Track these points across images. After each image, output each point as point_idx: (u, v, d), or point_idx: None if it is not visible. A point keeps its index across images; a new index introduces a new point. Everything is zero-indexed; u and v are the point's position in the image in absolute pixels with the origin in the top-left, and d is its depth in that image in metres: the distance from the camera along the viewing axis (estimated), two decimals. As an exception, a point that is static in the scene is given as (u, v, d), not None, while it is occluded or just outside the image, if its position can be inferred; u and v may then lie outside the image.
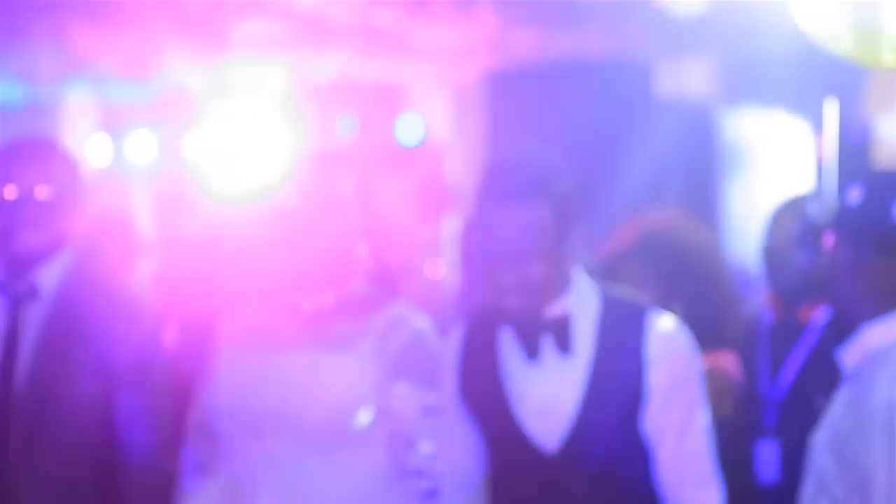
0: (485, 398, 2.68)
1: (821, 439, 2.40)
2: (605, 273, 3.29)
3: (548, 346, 2.61)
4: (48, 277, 3.03)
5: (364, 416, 2.86)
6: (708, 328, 3.30)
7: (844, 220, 2.40)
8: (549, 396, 2.61)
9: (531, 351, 2.61)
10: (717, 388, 3.22)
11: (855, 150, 6.41)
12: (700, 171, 6.68)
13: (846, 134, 6.45)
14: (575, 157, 7.38)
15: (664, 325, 2.64)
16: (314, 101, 8.77)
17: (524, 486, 2.64)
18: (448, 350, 2.77)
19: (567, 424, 2.60)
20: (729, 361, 3.33)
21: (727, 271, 3.46)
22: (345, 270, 2.95)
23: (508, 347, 2.66)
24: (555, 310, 2.60)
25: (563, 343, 2.60)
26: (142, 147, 9.08)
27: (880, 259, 2.37)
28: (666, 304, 3.28)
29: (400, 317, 2.93)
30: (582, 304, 2.63)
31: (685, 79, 8.13)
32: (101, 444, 3.02)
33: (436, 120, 9.14)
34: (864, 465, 2.27)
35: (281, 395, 2.86)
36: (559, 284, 2.60)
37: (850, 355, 2.42)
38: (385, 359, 2.87)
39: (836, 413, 2.38)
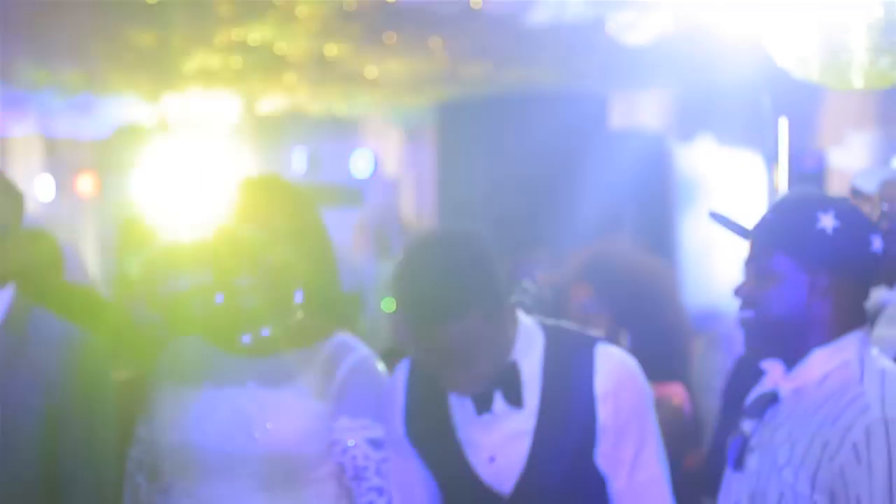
0: (435, 443, 2.62)
1: (785, 464, 2.37)
2: (555, 302, 3.25)
3: (498, 399, 2.58)
4: None
5: (311, 451, 2.79)
6: (657, 358, 3.28)
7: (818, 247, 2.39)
8: (501, 445, 2.58)
9: (481, 406, 2.58)
10: (666, 418, 3.19)
11: (807, 180, 6.42)
12: (654, 202, 6.67)
13: (798, 164, 6.47)
14: (528, 188, 7.37)
15: (611, 359, 2.59)
16: (265, 134, 8.72)
17: None
18: (394, 390, 2.70)
19: (519, 470, 2.57)
20: (677, 391, 3.29)
21: (677, 302, 3.42)
22: (285, 302, 2.88)
23: (457, 400, 2.62)
24: (503, 366, 2.58)
25: (513, 397, 2.57)
26: (88, 183, 9.00)
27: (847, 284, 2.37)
28: (614, 334, 3.28)
29: (343, 345, 2.86)
30: (527, 349, 2.60)
31: (639, 110, 8.15)
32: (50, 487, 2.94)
33: (388, 154, 9.11)
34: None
35: (224, 431, 2.78)
36: (503, 350, 2.57)
37: (793, 379, 2.40)
38: (329, 390, 2.80)
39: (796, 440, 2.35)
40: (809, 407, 2.38)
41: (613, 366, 2.58)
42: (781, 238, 2.39)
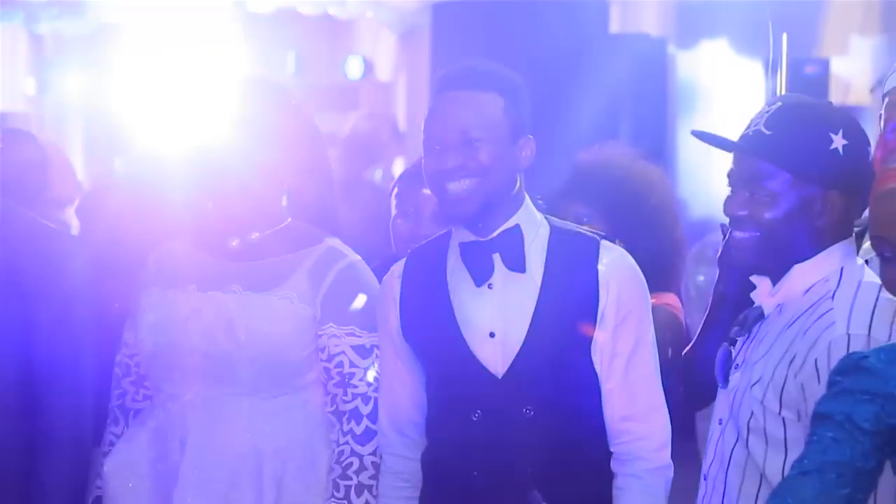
0: (430, 326, 2.61)
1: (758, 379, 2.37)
2: (548, 209, 3.16)
3: (498, 265, 2.55)
4: None
5: (297, 356, 2.75)
6: (652, 269, 3.21)
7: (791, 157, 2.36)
8: (501, 319, 2.54)
9: (481, 272, 2.55)
10: (663, 328, 3.13)
11: (809, 88, 6.31)
12: (652, 107, 6.57)
13: (800, 72, 6.36)
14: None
15: (614, 251, 2.61)
16: (256, 35, 8.58)
17: (470, 411, 2.58)
18: (390, 282, 2.68)
19: (516, 348, 2.54)
20: (673, 301, 3.22)
21: (675, 212, 3.34)
22: (273, 207, 2.83)
23: (456, 273, 2.59)
24: (504, 225, 2.56)
25: (515, 260, 2.54)
26: (73, 85, 8.85)
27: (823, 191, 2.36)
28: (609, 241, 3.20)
29: (331, 251, 2.80)
30: (532, 225, 2.59)
31: (639, 15, 8.01)
32: (23, 391, 2.87)
33: (381, 57, 8.98)
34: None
35: (210, 335, 2.75)
36: (508, 195, 2.55)
37: (773, 294, 2.40)
38: (316, 296, 2.76)
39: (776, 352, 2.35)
40: (786, 322, 2.37)
41: (616, 257, 2.58)
42: (790, 158, 2.35)
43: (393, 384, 2.69)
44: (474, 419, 2.55)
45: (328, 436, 2.78)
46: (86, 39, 8.60)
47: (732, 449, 2.42)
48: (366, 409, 2.74)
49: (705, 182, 6.03)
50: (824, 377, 2.21)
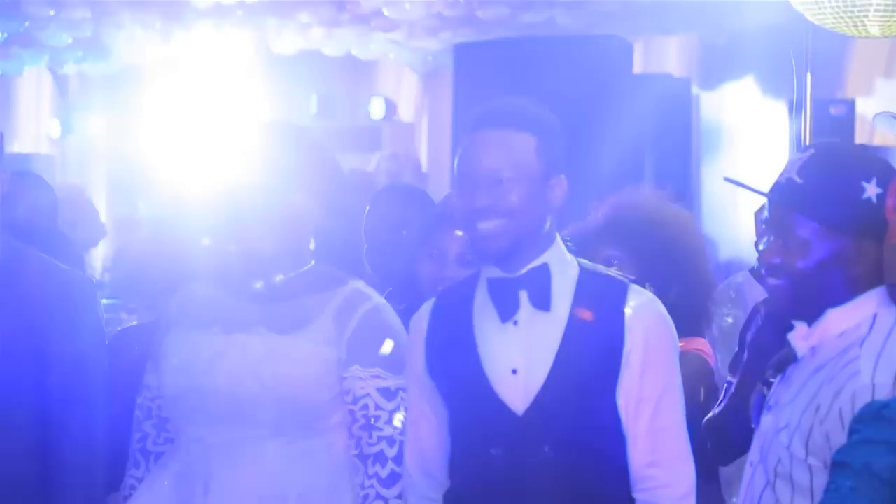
0: (454, 361, 2.59)
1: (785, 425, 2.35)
2: (578, 251, 3.14)
3: (524, 302, 2.54)
4: None
5: (322, 399, 2.73)
6: (681, 313, 3.18)
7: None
8: (524, 355, 2.53)
9: (506, 308, 2.54)
10: (694, 373, 3.10)
11: (833, 128, 6.29)
12: (677, 149, 6.55)
13: (825, 113, 6.34)
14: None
15: (642, 295, 2.60)
16: (279, 76, 8.61)
17: (489, 448, 2.56)
18: (418, 321, 2.67)
19: (538, 386, 2.52)
20: (703, 346, 3.18)
21: (703, 254, 3.31)
22: (299, 249, 2.81)
23: (482, 310, 2.58)
24: (533, 263, 2.56)
25: (541, 298, 2.53)
26: (97, 123, 8.90)
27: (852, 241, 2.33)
28: (639, 286, 3.17)
29: (356, 294, 2.79)
30: (561, 264, 2.58)
31: (663, 56, 8.01)
32: (36, 433, 2.85)
33: (404, 97, 9.01)
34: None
35: (234, 378, 2.73)
36: (538, 234, 2.56)
37: (807, 338, 2.38)
38: (341, 338, 2.74)
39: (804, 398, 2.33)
40: (815, 368, 2.35)
41: (645, 302, 2.57)
42: (820, 208, 2.32)
43: (419, 425, 2.68)
44: (494, 456, 2.54)
45: (352, 479, 2.76)
46: (110, 81, 8.65)
47: (762, 493, 2.38)
48: (391, 452, 2.72)
49: (730, 224, 6.01)
50: (847, 427, 2.14)
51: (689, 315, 3.18)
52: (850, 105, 6.69)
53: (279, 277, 2.79)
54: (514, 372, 2.52)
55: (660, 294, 3.15)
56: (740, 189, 2.46)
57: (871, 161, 2.38)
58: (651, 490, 2.53)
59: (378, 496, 2.72)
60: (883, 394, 2.20)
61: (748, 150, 6.81)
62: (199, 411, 2.75)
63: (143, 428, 2.90)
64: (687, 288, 3.19)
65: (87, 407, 2.86)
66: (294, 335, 2.74)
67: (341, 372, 2.74)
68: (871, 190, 2.32)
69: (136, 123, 7.42)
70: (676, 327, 3.17)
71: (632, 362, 2.51)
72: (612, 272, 2.66)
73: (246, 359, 2.73)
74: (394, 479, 2.72)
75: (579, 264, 2.61)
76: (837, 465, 2.00)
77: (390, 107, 9.19)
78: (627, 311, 2.53)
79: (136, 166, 5.26)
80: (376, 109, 9.12)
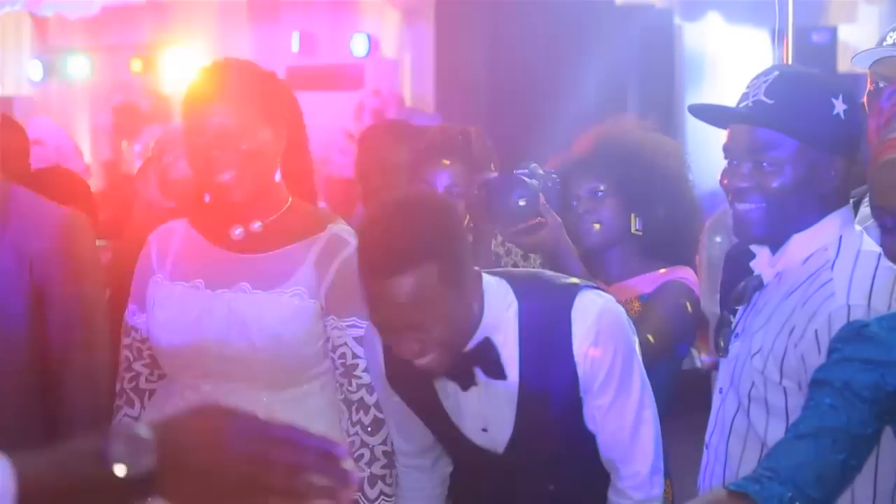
0: (423, 411, 2.60)
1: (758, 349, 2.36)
2: (563, 186, 3.15)
3: (478, 373, 2.50)
4: None
5: (311, 350, 2.74)
6: (667, 242, 3.20)
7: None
8: (490, 415, 2.53)
9: (465, 382, 2.51)
10: (680, 303, 3.12)
11: (816, 56, 6.27)
12: (660, 79, 6.53)
13: (807, 40, 6.32)
14: (530, 66, 7.23)
15: (587, 316, 2.49)
16: (262, 15, 8.54)
17: (478, 475, 2.62)
18: (373, 353, 2.62)
19: (509, 434, 2.54)
20: (687, 273, 3.20)
21: (688, 183, 3.31)
22: (270, 189, 2.77)
23: (441, 379, 2.54)
24: (475, 340, 2.48)
25: (493, 371, 2.49)
26: (79, 64, 8.82)
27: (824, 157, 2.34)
28: (624, 219, 3.18)
29: (334, 240, 2.77)
30: (499, 320, 2.49)
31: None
32: (38, 371, 2.87)
33: (387, 34, 8.94)
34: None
35: (222, 337, 2.71)
36: (472, 320, 2.46)
37: (773, 264, 2.38)
38: (321, 287, 2.73)
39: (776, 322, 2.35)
40: (785, 292, 2.36)
41: (591, 323, 2.49)
42: (797, 125, 2.33)
43: (394, 415, 2.67)
44: (482, 475, 2.61)
45: (345, 424, 2.77)
46: (89, 22, 8.57)
47: (733, 418, 2.41)
48: (371, 399, 2.72)
49: (715, 153, 6.00)
50: (824, 348, 2.19)
51: (675, 241, 3.20)
52: (833, 32, 6.68)
53: (257, 224, 2.76)
54: (483, 430, 2.54)
55: (646, 222, 3.18)
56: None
57: (835, 78, 2.43)
58: (616, 480, 2.58)
59: (363, 444, 2.73)
60: (858, 314, 2.21)
61: (731, 80, 6.78)
62: (190, 367, 2.75)
63: (134, 368, 2.88)
64: (672, 213, 3.19)
65: (87, 344, 2.87)
66: (278, 291, 2.71)
67: (324, 320, 2.74)
68: (839, 106, 2.34)
69: (117, 64, 7.36)
70: (662, 254, 3.19)
71: (586, 385, 2.51)
72: (553, 281, 2.57)
73: (233, 318, 2.71)
74: (378, 425, 2.72)
75: (517, 297, 2.49)
76: (816, 384, 2.03)
77: (373, 44, 9.13)
78: (574, 342, 2.47)
79: (118, 107, 5.22)
80: (359, 47, 9.06)
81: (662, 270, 3.18)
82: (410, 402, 2.61)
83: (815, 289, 2.31)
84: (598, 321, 2.49)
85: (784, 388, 2.31)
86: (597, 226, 3.17)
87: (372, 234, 2.40)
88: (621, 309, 2.54)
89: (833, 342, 2.07)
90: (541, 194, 3.00)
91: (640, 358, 2.56)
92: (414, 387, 2.56)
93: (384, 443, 2.73)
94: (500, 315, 2.48)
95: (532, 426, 2.52)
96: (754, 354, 2.36)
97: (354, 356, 2.72)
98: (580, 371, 2.48)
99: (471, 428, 2.55)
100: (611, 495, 2.60)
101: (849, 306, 2.24)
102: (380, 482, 2.72)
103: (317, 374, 2.76)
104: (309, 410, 2.74)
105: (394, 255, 2.33)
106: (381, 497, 2.73)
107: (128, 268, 2.95)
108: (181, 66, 7.74)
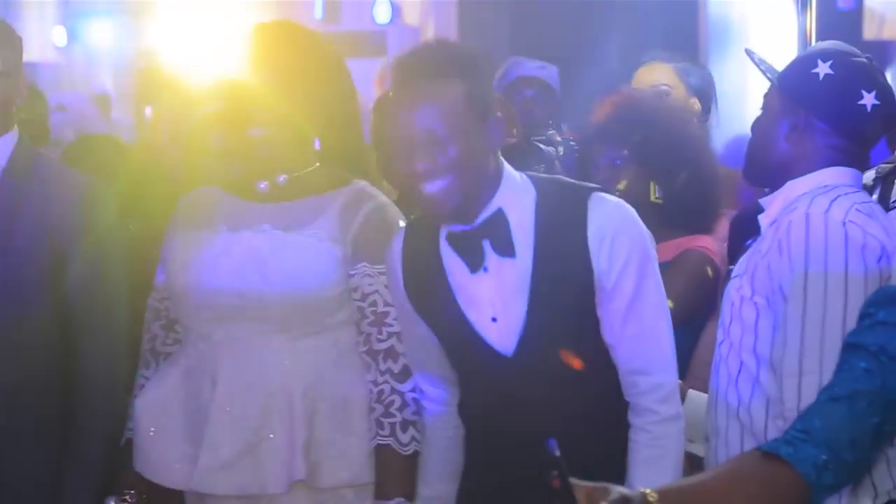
0: (436, 310, 2.60)
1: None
2: (582, 153, 3.14)
3: (489, 251, 2.51)
4: None
5: (327, 295, 2.76)
6: (688, 210, 3.19)
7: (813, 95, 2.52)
8: (498, 303, 2.53)
9: (473, 260, 2.52)
10: (699, 270, 3.12)
11: (841, 22, 6.23)
12: (684, 45, 6.50)
13: (832, 7, 6.27)
14: (553, 36, 7.22)
15: (604, 208, 2.53)
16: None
17: (486, 385, 2.59)
18: (391, 261, 2.66)
19: (520, 327, 2.52)
20: (707, 242, 3.20)
21: (709, 151, 3.31)
22: (300, 151, 2.81)
23: (451, 259, 2.56)
24: (487, 211, 2.51)
25: (503, 247, 2.50)
26: (102, 33, 8.83)
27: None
28: (644, 186, 3.17)
29: (361, 192, 2.80)
30: (515, 199, 2.52)
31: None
32: (58, 333, 2.89)
33: (409, 1, 8.93)
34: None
35: (239, 272, 2.75)
36: (485, 180, 2.49)
37: (766, 215, 2.53)
38: (347, 235, 2.76)
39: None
40: (774, 232, 2.47)
41: (607, 215, 2.51)
42: (781, 77, 2.55)
43: (414, 346, 2.70)
44: (491, 391, 2.58)
45: (359, 376, 2.79)
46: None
47: (720, 346, 2.53)
48: (401, 348, 2.75)
49: (739, 121, 5.97)
50: (786, 251, 2.34)
51: (695, 209, 3.19)
52: (859, -1, 6.62)
53: (282, 178, 2.80)
54: (493, 320, 2.54)
55: (666, 190, 3.17)
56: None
57: (841, 50, 2.56)
58: (635, 395, 2.55)
59: (393, 391, 2.75)
60: (816, 221, 2.36)
61: (756, 47, 6.75)
62: (205, 308, 2.78)
63: (152, 329, 2.92)
64: (693, 181, 3.19)
65: (107, 308, 2.90)
66: (299, 232, 2.76)
67: (348, 269, 2.76)
68: (822, 68, 2.51)
69: (142, 28, 7.36)
70: (682, 221, 3.19)
71: (602, 280, 2.50)
72: (573, 182, 2.62)
73: (251, 255, 2.75)
74: (407, 373, 2.75)
75: (535, 186, 2.54)
76: (850, 347, 2.04)
77: (396, 10, 9.12)
78: (590, 230, 2.49)
79: (143, 72, 5.24)
80: (382, 13, 9.05)
81: (682, 238, 3.18)
82: (427, 311, 2.61)
83: (787, 214, 2.44)
84: (614, 215, 2.53)
85: (755, 304, 2.41)
86: (616, 194, 3.17)
87: (411, 49, 2.53)
88: (638, 216, 2.57)
89: (866, 306, 2.09)
90: (556, 162, 3.00)
91: (657, 269, 2.56)
92: (428, 283, 2.58)
93: (413, 390, 2.75)
94: (517, 198, 2.52)
95: (544, 321, 2.51)
96: (734, 277, 2.50)
97: (386, 304, 2.75)
98: (595, 265, 2.49)
99: (483, 320, 2.54)
100: (633, 419, 2.55)
101: (807, 214, 2.38)
102: (411, 427, 2.75)
103: (331, 325, 2.78)
104: (322, 361, 2.77)
105: (429, 61, 2.46)
106: (413, 441, 2.75)
107: (149, 236, 2.98)
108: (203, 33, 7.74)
